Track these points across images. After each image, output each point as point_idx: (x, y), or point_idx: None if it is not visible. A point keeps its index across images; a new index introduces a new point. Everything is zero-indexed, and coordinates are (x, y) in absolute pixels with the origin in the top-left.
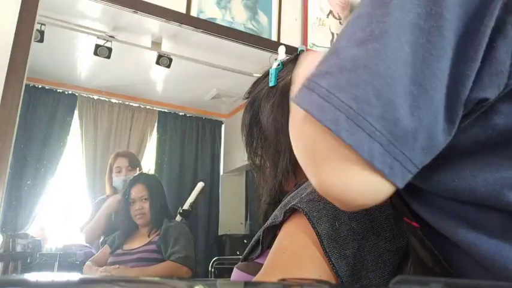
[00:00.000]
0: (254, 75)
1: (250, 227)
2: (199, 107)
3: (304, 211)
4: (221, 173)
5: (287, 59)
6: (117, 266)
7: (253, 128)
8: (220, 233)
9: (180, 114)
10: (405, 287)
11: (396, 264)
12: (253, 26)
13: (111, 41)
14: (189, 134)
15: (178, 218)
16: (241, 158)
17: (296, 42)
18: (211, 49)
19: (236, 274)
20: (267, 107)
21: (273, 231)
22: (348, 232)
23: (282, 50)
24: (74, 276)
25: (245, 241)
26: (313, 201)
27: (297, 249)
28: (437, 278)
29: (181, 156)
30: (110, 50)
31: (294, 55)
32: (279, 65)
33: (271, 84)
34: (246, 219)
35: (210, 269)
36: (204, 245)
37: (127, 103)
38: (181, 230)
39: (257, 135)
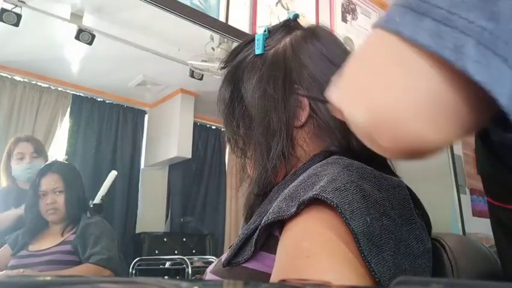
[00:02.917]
0: (188, 62)
1: (171, 224)
2: (121, 94)
3: (334, 202)
4: (142, 166)
5: (274, 26)
6: (21, 270)
7: (234, 104)
8: (137, 230)
9: (98, 99)
10: None
11: (430, 268)
12: (200, 3)
13: (21, 7)
14: (108, 123)
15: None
16: (165, 151)
17: (245, 27)
18: (142, 29)
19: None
20: (252, 80)
21: (267, 230)
22: (381, 230)
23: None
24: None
25: (165, 239)
26: (340, 190)
27: (325, 253)
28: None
29: (97, 147)
30: (19, 16)
31: (283, 21)
32: (265, 31)
33: (258, 51)
34: (167, 217)
35: (131, 270)
36: (119, 243)
37: (34, 82)
38: (103, 228)
39: (240, 113)
